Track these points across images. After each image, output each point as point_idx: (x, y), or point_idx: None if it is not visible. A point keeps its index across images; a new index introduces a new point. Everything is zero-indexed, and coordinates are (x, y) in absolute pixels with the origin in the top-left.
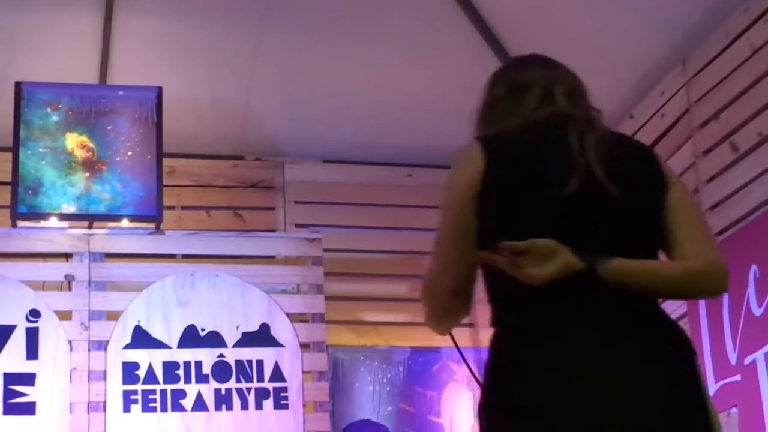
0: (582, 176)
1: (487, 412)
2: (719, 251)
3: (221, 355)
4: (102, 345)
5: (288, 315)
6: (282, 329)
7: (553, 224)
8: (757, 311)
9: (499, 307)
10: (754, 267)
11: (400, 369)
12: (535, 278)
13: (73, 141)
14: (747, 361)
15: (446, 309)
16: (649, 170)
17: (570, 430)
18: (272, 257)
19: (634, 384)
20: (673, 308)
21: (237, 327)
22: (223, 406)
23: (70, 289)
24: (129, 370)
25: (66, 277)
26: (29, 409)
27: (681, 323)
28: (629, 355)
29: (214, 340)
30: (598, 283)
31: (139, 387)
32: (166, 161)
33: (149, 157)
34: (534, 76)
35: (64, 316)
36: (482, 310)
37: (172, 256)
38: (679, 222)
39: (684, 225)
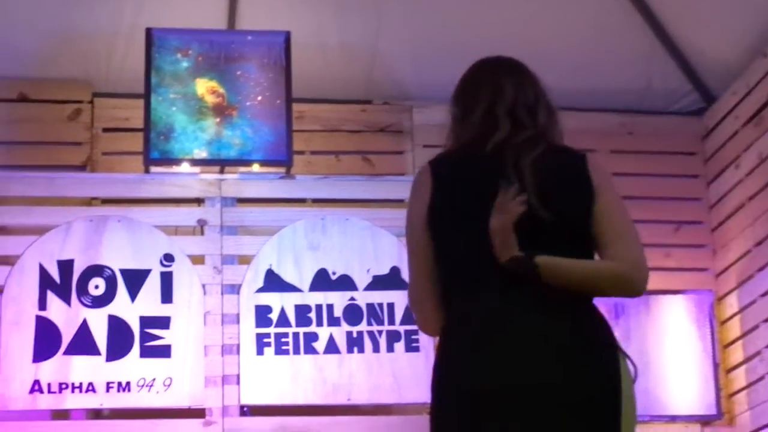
0: None
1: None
2: (642, 255)
3: (352, 299)
4: (235, 289)
5: None
6: None
7: (489, 251)
8: None
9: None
10: None
11: None
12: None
13: (204, 86)
14: None
15: (430, 319)
16: (579, 180)
17: (476, 397)
18: (401, 201)
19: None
20: None
21: (368, 270)
22: (355, 349)
23: (202, 234)
24: (262, 314)
25: (198, 221)
26: (165, 352)
27: None
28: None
29: (345, 283)
30: (526, 281)
31: (272, 330)
32: (295, 106)
33: (278, 101)
34: (478, 96)
35: (197, 260)
36: None
37: (302, 201)
38: (607, 228)
39: (611, 230)
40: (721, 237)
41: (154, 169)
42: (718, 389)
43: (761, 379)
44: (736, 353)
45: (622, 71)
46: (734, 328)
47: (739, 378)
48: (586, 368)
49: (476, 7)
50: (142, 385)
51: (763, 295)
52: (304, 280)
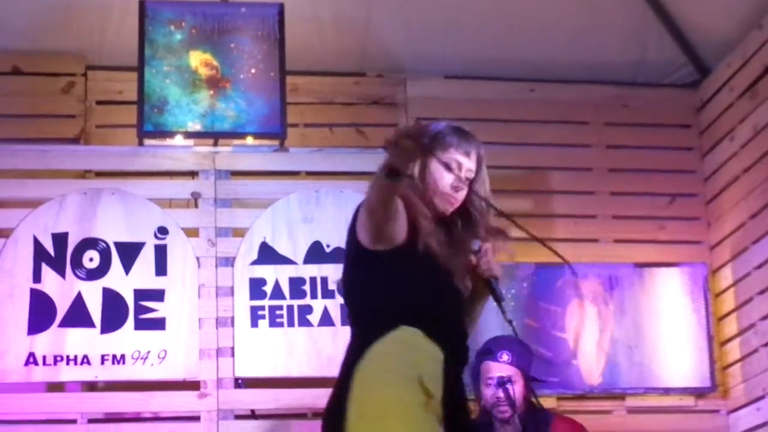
0: None
1: None
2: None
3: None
4: (229, 261)
5: None
6: None
7: None
8: None
9: None
10: None
11: (525, 285)
12: None
13: (197, 59)
14: None
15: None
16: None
17: None
18: None
19: None
20: None
21: None
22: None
23: (196, 207)
24: (256, 286)
25: (192, 194)
26: (159, 324)
27: None
28: None
29: (340, 255)
30: None
31: (266, 302)
32: (288, 79)
33: (272, 74)
34: None
35: (191, 233)
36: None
37: (296, 173)
38: None
39: None
40: (715, 209)
41: (147, 141)
42: (712, 362)
43: (755, 351)
44: (731, 326)
45: (617, 44)
46: (728, 301)
47: (734, 350)
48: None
49: None
50: (137, 358)
51: (758, 267)
52: (299, 253)
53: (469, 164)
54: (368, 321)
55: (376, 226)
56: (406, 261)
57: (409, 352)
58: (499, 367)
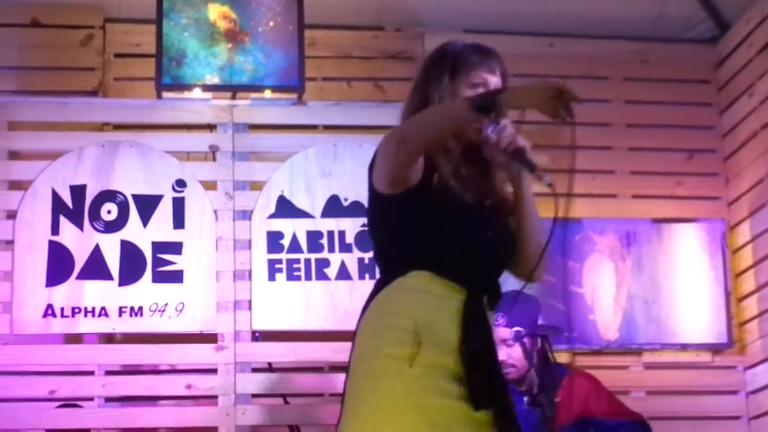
0: None
1: None
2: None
3: (364, 225)
4: (246, 215)
5: None
6: None
7: None
8: None
9: None
10: None
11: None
12: None
13: (216, 12)
14: None
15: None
16: None
17: None
18: None
19: None
20: None
21: None
22: (367, 275)
23: (214, 160)
24: (273, 240)
25: (210, 147)
26: (177, 277)
27: None
28: None
29: (357, 209)
30: None
31: (283, 256)
32: (306, 32)
33: (291, 27)
34: None
35: (209, 186)
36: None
37: (314, 127)
38: None
39: None
40: (733, 165)
41: (166, 94)
42: (729, 318)
43: None
44: (748, 282)
45: None
46: (746, 257)
47: (751, 307)
48: None
49: None
50: (155, 310)
51: None
52: (316, 207)
53: (495, 80)
54: (384, 268)
55: (397, 164)
56: (418, 202)
57: (410, 299)
58: (498, 331)
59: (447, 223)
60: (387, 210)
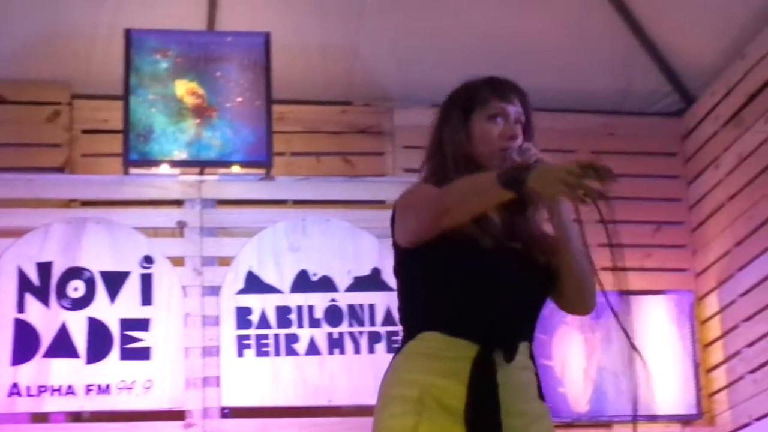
0: None
1: None
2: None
3: (333, 300)
4: (215, 290)
5: None
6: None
7: None
8: None
9: None
10: None
11: None
12: None
13: (183, 88)
14: None
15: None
16: None
17: None
18: (382, 202)
19: None
20: None
21: (348, 272)
22: (336, 350)
23: (182, 236)
24: (242, 315)
25: (178, 223)
26: (145, 354)
27: None
28: None
29: (326, 284)
30: None
31: (252, 332)
32: (275, 107)
33: (258, 103)
34: None
35: (177, 262)
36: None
37: (283, 202)
38: None
39: None
40: (701, 237)
41: (133, 170)
42: (698, 389)
43: (741, 378)
44: (717, 353)
45: (602, 73)
46: (714, 328)
47: (720, 377)
48: None
49: (457, 10)
50: (122, 388)
51: (743, 294)
52: (285, 282)
53: (514, 109)
54: (403, 331)
55: (436, 229)
56: (434, 251)
57: (419, 365)
58: None
59: (457, 274)
60: (402, 264)
